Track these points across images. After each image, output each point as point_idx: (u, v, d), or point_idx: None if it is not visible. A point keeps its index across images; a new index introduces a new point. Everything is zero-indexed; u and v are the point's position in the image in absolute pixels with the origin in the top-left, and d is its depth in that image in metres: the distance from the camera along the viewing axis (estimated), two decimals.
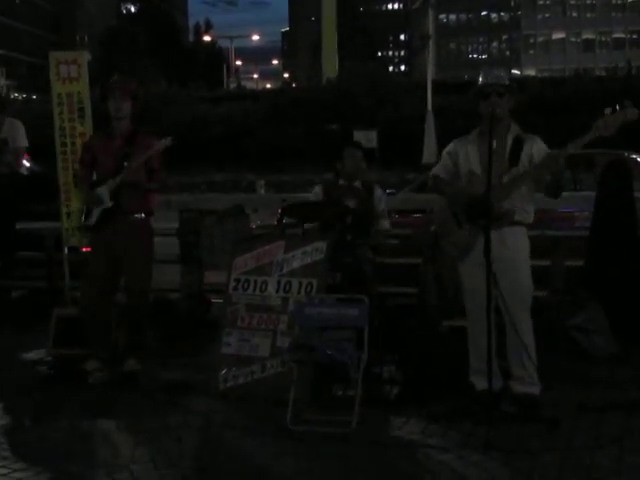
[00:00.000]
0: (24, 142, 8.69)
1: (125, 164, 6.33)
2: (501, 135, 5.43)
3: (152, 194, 6.58)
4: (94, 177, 6.56)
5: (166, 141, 6.37)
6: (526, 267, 5.51)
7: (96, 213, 6.44)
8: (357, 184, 6.85)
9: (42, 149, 10.27)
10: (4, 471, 4.75)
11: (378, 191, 6.97)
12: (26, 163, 10.04)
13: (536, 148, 5.43)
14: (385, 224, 6.90)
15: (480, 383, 5.52)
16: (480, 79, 5.60)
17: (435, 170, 5.80)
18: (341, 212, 6.47)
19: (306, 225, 6.51)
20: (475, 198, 5.32)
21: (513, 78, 5.79)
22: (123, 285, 6.60)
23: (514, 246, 5.45)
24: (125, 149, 6.41)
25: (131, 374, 6.39)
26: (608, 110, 5.06)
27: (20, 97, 55.49)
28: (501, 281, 5.35)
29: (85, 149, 6.83)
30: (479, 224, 5.26)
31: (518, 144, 5.42)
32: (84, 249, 7.53)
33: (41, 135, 10.16)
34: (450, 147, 5.74)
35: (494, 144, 5.27)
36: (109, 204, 6.38)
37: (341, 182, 6.87)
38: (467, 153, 5.57)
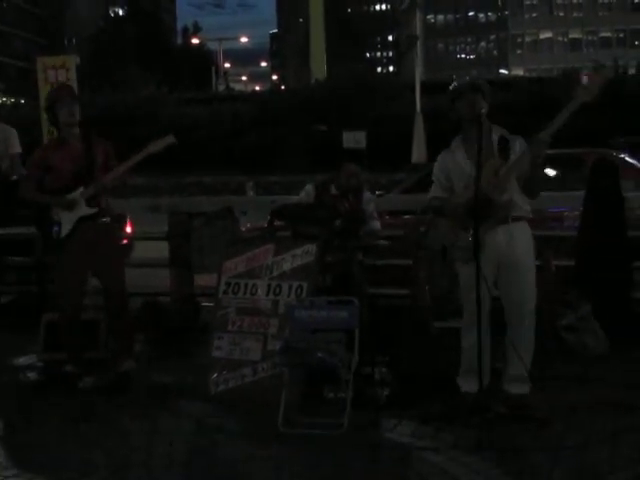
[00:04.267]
0: (18, 148, 8.66)
1: (96, 169, 6.26)
2: (485, 135, 5.42)
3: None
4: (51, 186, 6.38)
5: (168, 138, 6.33)
6: (532, 264, 5.51)
7: (68, 223, 6.30)
8: (349, 195, 6.79)
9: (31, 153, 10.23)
10: None
11: (366, 193, 6.95)
12: None
13: (519, 145, 5.43)
14: (376, 225, 6.87)
15: (466, 384, 5.52)
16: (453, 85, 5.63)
17: (431, 192, 5.75)
18: (331, 215, 6.47)
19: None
20: (472, 198, 5.32)
21: (486, 80, 5.77)
22: (102, 289, 6.56)
23: (521, 242, 5.44)
24: (89, 152, 6.32)
25: (126, 374, 6.36)
26: (585, 78, 5.06)
27: (8, 101, 55.33)
28: (507, 279, 5.36)
29: (35, 163, 6.51)
30: (484, 223, 5.25)
31: (504, 142, 5.42)
32: None
33: (30, 139, 10.12)
34: (439, 161, 5.70)
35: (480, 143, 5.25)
36: (85, 212, 6.29)
37: (333, 191, 6.82)
38: (454, 160, 5.55)
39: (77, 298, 6.41)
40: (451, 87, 5.61)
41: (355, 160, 6.94)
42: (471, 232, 5.40)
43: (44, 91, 7.76)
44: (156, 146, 6.31)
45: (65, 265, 6.47)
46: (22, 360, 7.16)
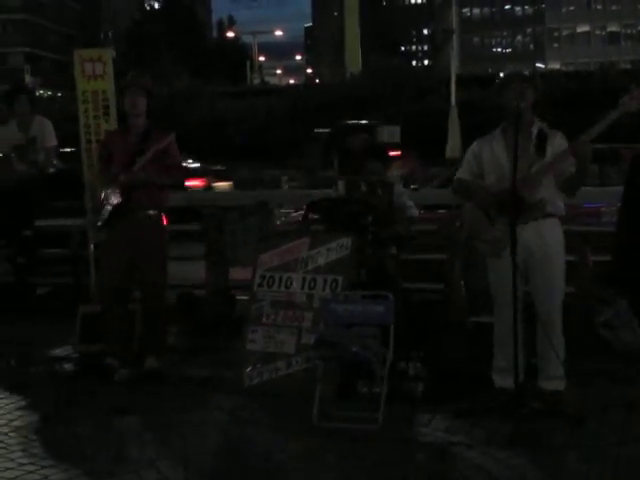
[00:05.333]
0: (53, 141, 8.74)
1: (137, 159, 6.33)
2: (525, 129, 5.37)
3: (165, 190, 6.56)
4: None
5: (169, 138, 6.36)
6: (561, 261, 5.45)
7: (106, 211, 6.44)
8: (378, 190, 6.77)
9: (67, 146, 10.34)
10: (32, 468, 4.79)
11: (398, 187, 6.93)
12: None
13: (558, 142, 5.37)
14: (414, 212, 6.81)
15: (500, 380, 5.49)
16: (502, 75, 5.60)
17: (459, 173, 5.72)
18: (364, 208, 6.45)
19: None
20: (505, 192, 5.27)
21: (535, 72, 5.72)
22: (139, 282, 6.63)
23: (550, 239, 5.40)
24: (140, 146, 6.38)
25: (151, 372, 6.39)
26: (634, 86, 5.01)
27: (45, 94, 55.77)
28: (535, 275, 5.32)
29: (103, 145, 6.90)
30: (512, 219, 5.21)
31: (542, 137, 5.37)
32: None
33: (66, 132, 10.20)
34: (474, 147, 5.67)
35: (519, 137, 5.21)
36: (119, 200, 6.37)
37: (362, 187, 6.79)
38: (492, 150, 5.51)
39: (114, 290, 6.45)
40: (502, 76, 5.57)
41: (378, 157, 6.90)
42: (498, 226, 5.36)
43: (81, 84, 7.80)
44: (160, 145, 6.32)
45: (103, 254, 6.67)
46: (58, 351, 7.21)
